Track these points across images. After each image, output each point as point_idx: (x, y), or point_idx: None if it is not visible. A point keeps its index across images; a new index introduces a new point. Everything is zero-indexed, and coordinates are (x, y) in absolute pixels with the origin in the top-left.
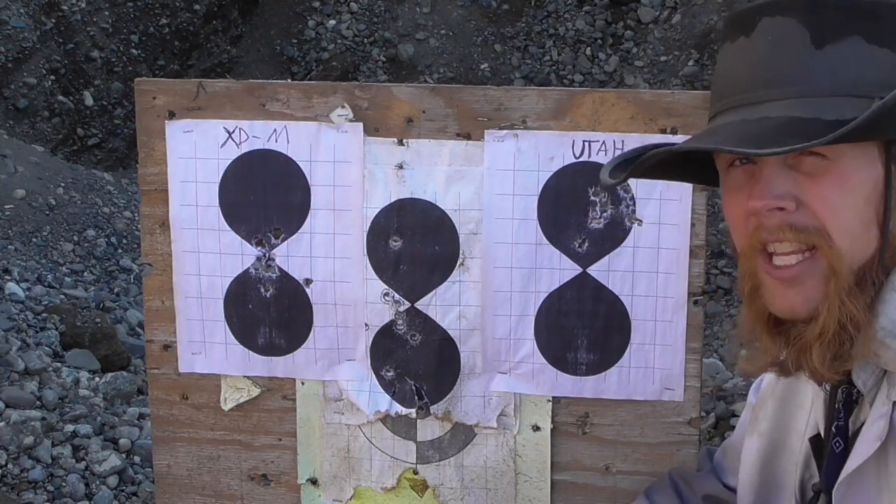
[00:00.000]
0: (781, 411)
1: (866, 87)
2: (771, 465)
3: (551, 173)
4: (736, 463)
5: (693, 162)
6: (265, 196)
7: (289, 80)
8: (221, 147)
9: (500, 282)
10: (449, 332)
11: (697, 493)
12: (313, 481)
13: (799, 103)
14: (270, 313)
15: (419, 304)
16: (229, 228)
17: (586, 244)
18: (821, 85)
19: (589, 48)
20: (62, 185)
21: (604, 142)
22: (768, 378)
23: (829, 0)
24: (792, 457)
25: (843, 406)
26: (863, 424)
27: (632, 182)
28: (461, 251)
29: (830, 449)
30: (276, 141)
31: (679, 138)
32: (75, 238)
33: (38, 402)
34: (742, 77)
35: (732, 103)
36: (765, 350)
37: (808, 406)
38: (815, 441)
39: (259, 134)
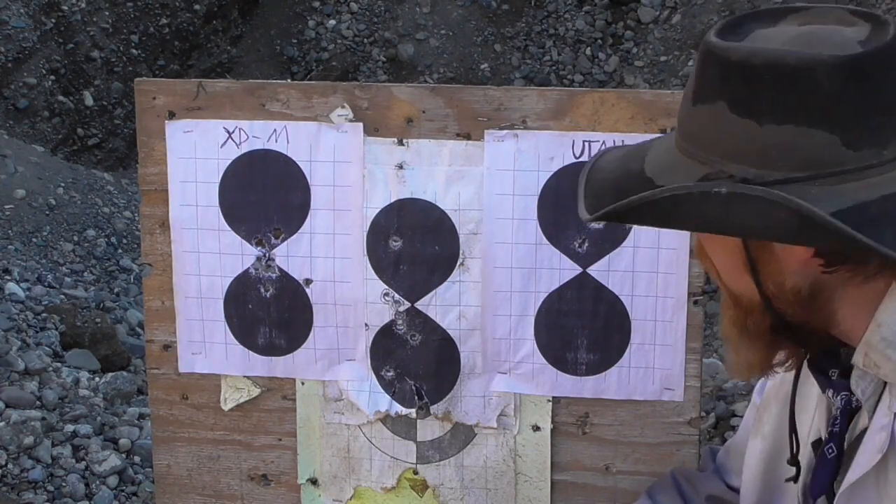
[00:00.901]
0: (785, 414)
1: (714, 155)
2: (774, 468)
3: (551, 173)
4: (739, 463)
5: None
6: (265, 196)
7: (289, 80)
8: (221, 147)
9: (500, 282)
10: (449, 332)
11: (701, 494)
12: (313, 481)
13: (669, 153)
14: (270, 313)
15: (419, 304)
16: (229, 228)
17: (586, 244)
18: (686, 141)
19: (589, 48)
20: (62, 185)
21: (604, 142)
22: (773, 379)
23: (713, 55)
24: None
25: (841, 413)
26: (862, 433)
27: None
28: (461, 251)
29: (822, 454)
30: (276, 141)
31: None
32: (75, 238)
33: (38, 402)
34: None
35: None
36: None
37: (812, 410)
38: (818, 445)
39: (259, 134)
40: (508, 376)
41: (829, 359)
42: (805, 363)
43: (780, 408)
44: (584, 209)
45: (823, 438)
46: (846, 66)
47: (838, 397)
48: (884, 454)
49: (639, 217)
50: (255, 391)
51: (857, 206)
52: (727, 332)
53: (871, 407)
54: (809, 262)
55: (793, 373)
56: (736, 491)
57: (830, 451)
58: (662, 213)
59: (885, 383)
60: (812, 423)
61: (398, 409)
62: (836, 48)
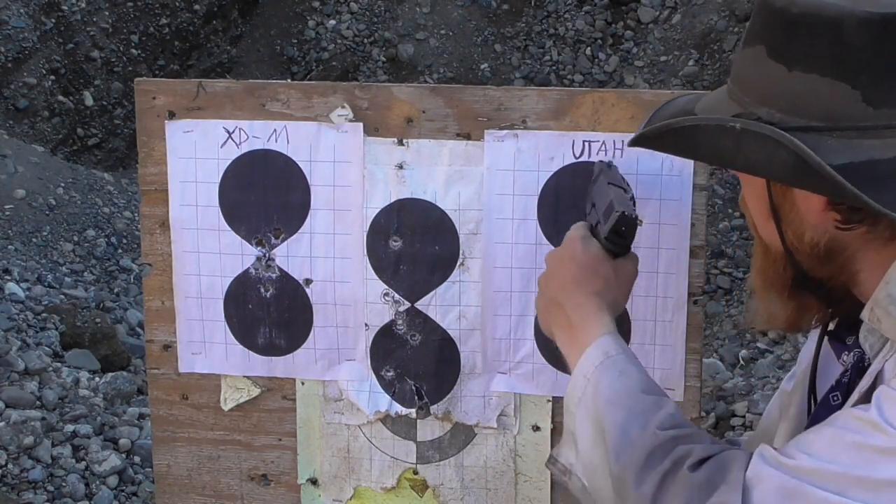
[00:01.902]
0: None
1: (748, 96)
2: None
3: (551, 173)
4: None
5: None
6: (265, 196)
7: (289, 80)
8: (221, 147)
9: (500, 282)
10: (449, 332)
11: None
12: (313, 481)
13: (720, 94)
14: (270, 313)
15: (419, 304)
16: (229, 228)
17: None
18: (731, 82)
19: (589, 48)
20: (62, 185)
21: (604, 142)
22: (801, 366)
23: (764, 2)
24: None
25: (853, 367)
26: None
27: (632, 182)
28: (461, 251)
29: (826, 400)
30: (276, 141)
31: None
32: (75, 238)
33: (38, 402)
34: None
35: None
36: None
37: (832, 380)
38: None
39: (259, 134)
40: (508, 376)
41: (849, 327)
42: (826, 339)
43: (804, 391)
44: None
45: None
46: (877, 23)
47: (852, 353)
48: (863, 395)
49: (663, 144)
50: (255, 391)
51: (867, 162)
52: (753, 281)
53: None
54: (825, 215)
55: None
56: None
57: (835, 398)
58: (682, 142)
59: (888, 340)
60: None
61: (398, 409)
62: (876, 5)
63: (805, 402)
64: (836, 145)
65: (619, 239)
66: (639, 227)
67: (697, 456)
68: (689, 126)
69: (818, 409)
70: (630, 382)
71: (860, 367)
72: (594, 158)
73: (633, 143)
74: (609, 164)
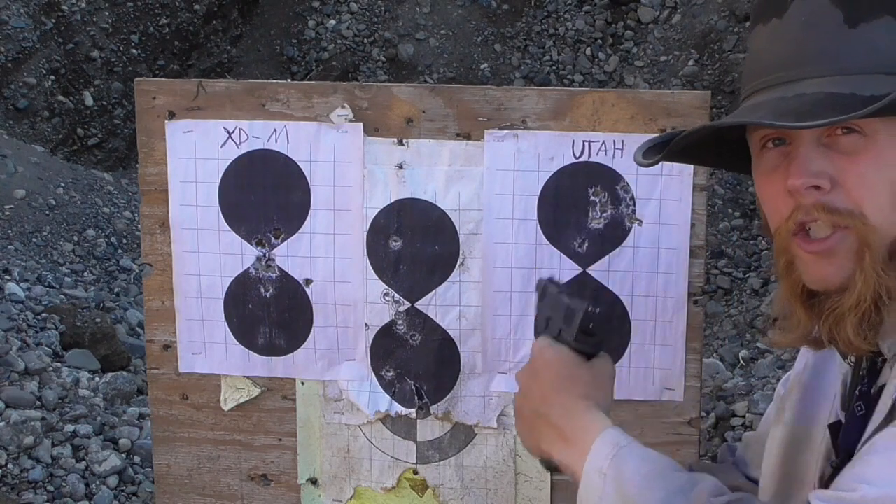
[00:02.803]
0: (807, 401)
1: (838, 76)
2: (793, 457)
3: (551, 173)
4: (758, 455)
5: (726, 144)
6: (265, 196)
7: (289, 80)
8: (221, 147)
9: (500, 282)
10: (449, 332)
11: None
12: (313, 481)
13: (835, 81)
14: (270, 313)
15: (419, 304)
16: (229, 228)
17: (586, 244)
18: (855, 63)
19: (589, 48)
20: (62, 185)
21: (604, 142)
22: (796, 370)
23: None
24: (814, 447)
25: (868, 373)
26: (882, 388)
27: (632, 182)
28: (461, 251)
29: (852, 411)
30: (276, 141)
31: None
32: (75, 238)
33: (38, 402)
34: (776, 57)
35: (767, 83)
36: (798, 323)
37: (833, 396)
38: (834, 427)
39: (259, 134)
40: (508, 376)
41: None
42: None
43: (801, 395)
44: (808, 119)
45: (843, 407)
46: None
47: (864, 358)
48: (890, 406)
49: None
50: (255, 391)
51: None
52: (864, 289)
53: (894, 363)
54: None
55: (812, 362)
56: (755, 482)
57: (860, 408)
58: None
59: None
60: (832, 408)
61: (398, 409)
62: None
63: (804, 423)
64: None
65: (588, 338)
66: (639, 227)
67: None
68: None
69: (848, 421)
70: (656, 464)
71: (874, 372)
72: (594, 159)
73: (867, 114)
74: (551, 280)
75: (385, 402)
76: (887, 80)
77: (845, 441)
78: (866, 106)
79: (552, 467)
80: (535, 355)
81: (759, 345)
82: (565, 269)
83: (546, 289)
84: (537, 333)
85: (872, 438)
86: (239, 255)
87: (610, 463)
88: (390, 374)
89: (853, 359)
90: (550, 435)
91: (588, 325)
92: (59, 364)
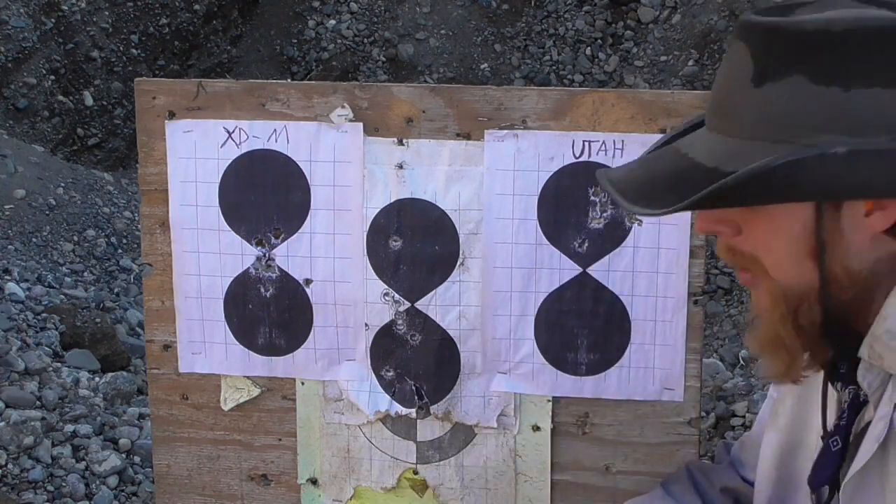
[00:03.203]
0: (800, 407)
1: (797, 131)
2: (788, 462)
3: (551, 173)
4: (754, 457)
5: None
6: (265, 196)
7: (289, 80)
8: (221, 147)
9: (500, 282)
10: (449, 332)
11: (716, 486)
12: (313, 481)
13: (726, 142)
14: (270, 313)
15: (419, 304)
16: (229, 228)
17: (586, 244)
18: (748, 125)
19: (589, 48)
20: (62, 185)
21: (604, 142)
22: None
23: (780, 31)
24: (808, 454)
25: (849, 407)
26: (867, 426)
27: None
28: (461, 251)
29: (827, 446)
30: (276, 141)
31: None
32: (75, 238)
33: (38, 402)
34: (710, 96)
35: (702, 118)
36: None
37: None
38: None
39: (259, 134)
40: (508, 376)
41: (841, 352)
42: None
43: (794, 401)
44: (644, 206)
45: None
46: None
47: (846, 390)
48: (882, 444)
49: (741, 196)
50: (255, 391)
51: None
52: (763, 337)
53: (877, 399)
54: (881, 238)
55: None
56: (751, 484)
57: (835, 443)
58: (776, 186)
59: (891, 375)
60: (826, 417)
61: (398, 409)
62: None
63: (800, 427)
64: None
65: None
66: (639, 227)
67: None
68: (783, 164)
69: (821, 455)
70: None
71: (856, 406)
72: (594, 158)
73: (692, 205)
74: None
75: (385, 402)
76: (769, 149)
77: (818, 476)
78: (713, 183)
79: None
80: None
81: None
82: (565, 269)
83: None
84: None
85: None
86: (239, 255)
87: None
88: (390, 374)
89: (839, 387)
90: None
91: None
92: (59, 364)
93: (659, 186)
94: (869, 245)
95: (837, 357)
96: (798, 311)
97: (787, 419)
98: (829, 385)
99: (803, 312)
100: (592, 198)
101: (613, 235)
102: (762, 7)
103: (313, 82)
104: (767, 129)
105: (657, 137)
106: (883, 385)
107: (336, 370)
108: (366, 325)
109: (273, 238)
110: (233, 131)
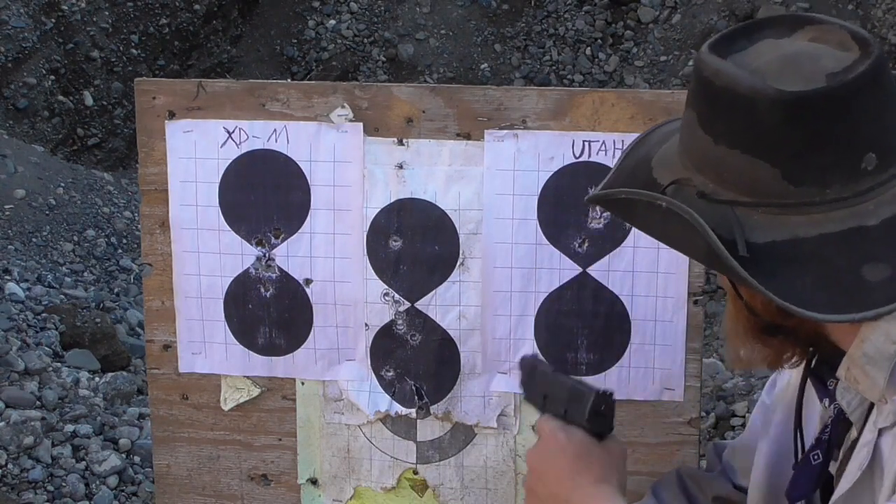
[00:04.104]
0: (791, 419)
1: (689, 161)
2: (779, 472)
3: (551, 173)
4: (746, 463)
5: None
6: (265, 196)
7: (289, 80)
8: (221, 147)
9: (500, 282)
10: (449, 332)
11: (707, 494)
12: (313, 481)
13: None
14: (270, 313)
15: (419, 304)
16: (229, 228)
17: (586, 244)
18: (681, 140)
19: (589, 48)
20: (62, 185)
21: (604, 142)
22: (782, 382)
23: (696, 67)
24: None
25: (833, 423)
26: (854, 443)
27: None
28: (461, 251)
29: (807, 459)
30: (276, 141)
31: None
32: (75, 238)
33: (38, 402)
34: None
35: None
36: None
37: (817, 420)
38: None
39: (259, 134)
40: (508, 376)
41: (829, 367)
42: (809, 370)
43: (786, 413)
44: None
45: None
46: (788, 105)
47: (832, 406)
48: (866, 471)
49: (609, 208)
50: (255, 391)
51: (790, 241)
52: (724, 326)
53: (860, 419)
54: None
55: (800, 377)
56: (743, 491)
57: (816, 457)
58: (621, 211)
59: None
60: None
61: (398, 409)
62: (798, 80)
63: (791, 437)
64: (762, 221)
65: (601, 419)
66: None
67: None
68: (623, 199)
69: (801, 468)
70: None
71: (840, 421)
72: (594, 158)
73: (592, 200)
74: (536, 358)
75: (385, 402)
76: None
77: (796, 489)
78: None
79: None
80: (547, 436)
81: None
82: (565, 269)
83: (535, 367)
84: (535, 408)
85: None
86: (239, 255)
87: None
88: (390, 374)
89: (826, 403)
90: None
91: (601, 406)
92: (59, 364)
93: (627, 170)
94: None
95: (819, 366)
96: (741, 314)
97: (779, 429)
98: (818, 400)
99: (742, 318)
100: None
101: (613, 235)
102: (757, 21)
103: (313, 82)
104: (682, 148)
105: None
106: (863, 405)
107: (336, 370)
108: (366, 325)
109: (273, 238)
110: (233, 131)
